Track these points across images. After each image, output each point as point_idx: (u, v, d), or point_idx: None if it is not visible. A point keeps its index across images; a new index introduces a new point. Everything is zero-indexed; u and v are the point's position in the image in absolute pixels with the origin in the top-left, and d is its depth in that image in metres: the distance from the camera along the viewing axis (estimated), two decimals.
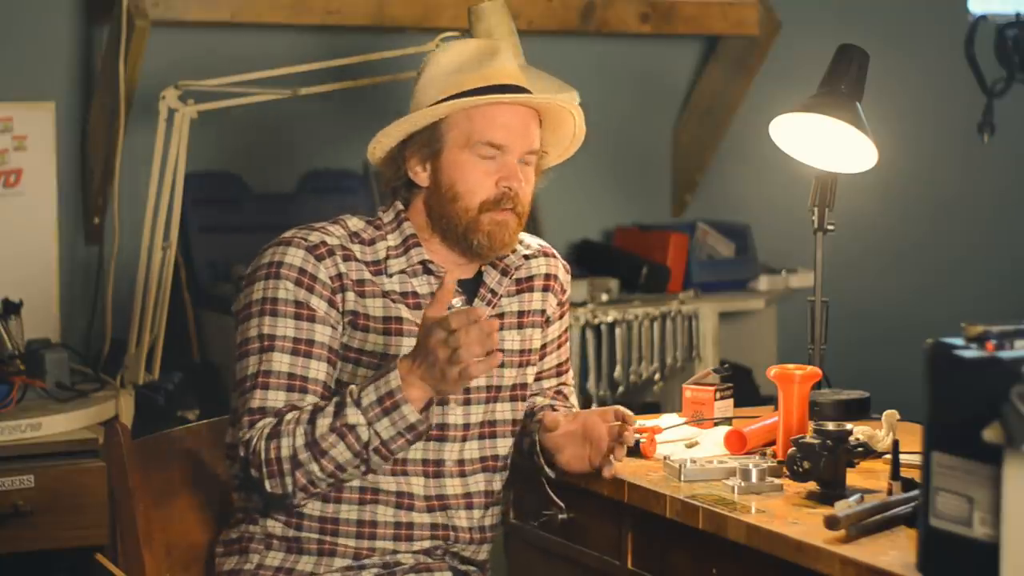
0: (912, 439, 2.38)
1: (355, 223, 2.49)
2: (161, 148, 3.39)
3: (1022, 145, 5.15)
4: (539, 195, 4.36)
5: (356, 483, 2.41)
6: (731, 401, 2.80)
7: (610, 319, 4.10)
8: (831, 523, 2.06)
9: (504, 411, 2.55)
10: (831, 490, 2.27)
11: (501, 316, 2.54)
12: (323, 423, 2.29)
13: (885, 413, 2.56)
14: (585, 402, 3.99)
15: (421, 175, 2.48)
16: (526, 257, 2.59)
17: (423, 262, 2.47)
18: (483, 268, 2.54)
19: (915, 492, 2.15)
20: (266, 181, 4.16)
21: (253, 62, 3.64)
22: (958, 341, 1.84)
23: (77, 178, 3.86)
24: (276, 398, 2.36)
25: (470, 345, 2.20)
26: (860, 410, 2.86)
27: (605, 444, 2.44)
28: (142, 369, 3.42)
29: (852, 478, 2.33)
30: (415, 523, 2.45)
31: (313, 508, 2.43)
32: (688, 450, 2.59)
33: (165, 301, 3.45)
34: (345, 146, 4.18)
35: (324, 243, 2.43)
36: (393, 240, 2.48)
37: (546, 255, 2.63)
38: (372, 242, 2.47)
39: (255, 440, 2.32)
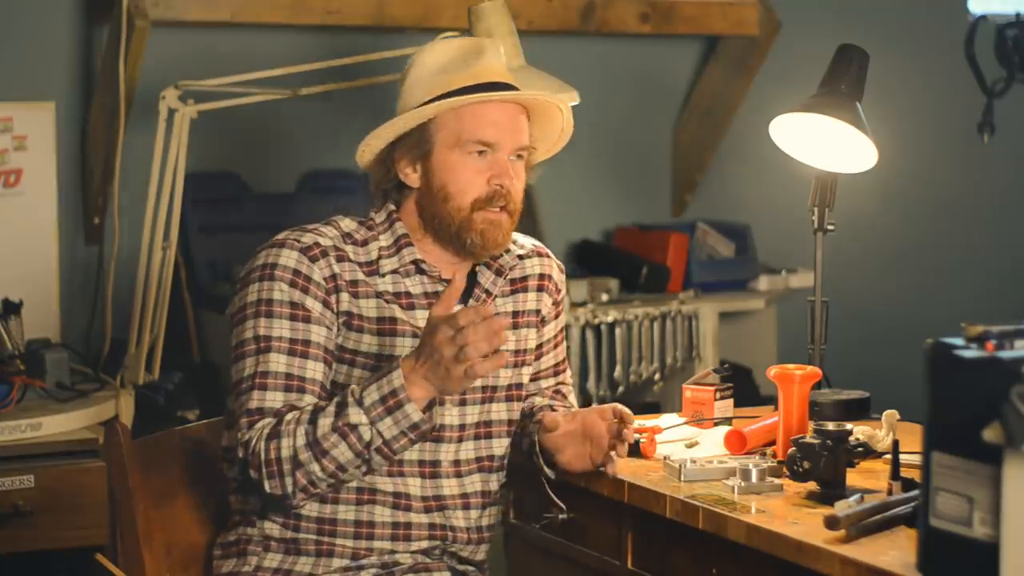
0: (912, 439, 2.38)
1: (347, 224, 2.49)
2: (161, 148, 3.39)
3: (1022, 145, 5.15)
4: (539, 195, 4.42)
5: (353, 484, 2.41)
6: (731, 401, 2.80)
7: (610, 319, 4.10)
8: (831, 523, 2.06)
9: (500, 411, 2.55)
10: (831, 490, 2.27)
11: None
12: (324, 423, 2.29)
13: (885, 413, 2.56)
14: (585, 402, 3.99)
15: (411, 176, 2.48)
16: (520, 257, 2.59)
17: (415, 262, 2.47)
18: (477, 268, 2.54)
19: (915, 492, 2.15)
20: (266, 181, 4.17)
21: (253, 62, 3.64)
22: (958, 341, 1.84)
23: (77, 178, 3.86)
24: (274, 399, 2.36)
25: (478, 343, 2.20)
26: (860, 410, 2.86)
27: (606, 442, 2.44)
28: (142, 369, 3.42)
29: (852, 478, 2.33)
30: (413, 523, 2.45)
31: (311, 509, 2.43)
32: (688, 450, 2.59)
33: (165, 301, 3.45)
34: (345, 146, 4.14)
35: (317, 244, 2.43)
36: (385, 240, 2.48)
37: (540, 255, 2.63)
38: (365, 243, 2.47)
39: (254, 441, 2.32)
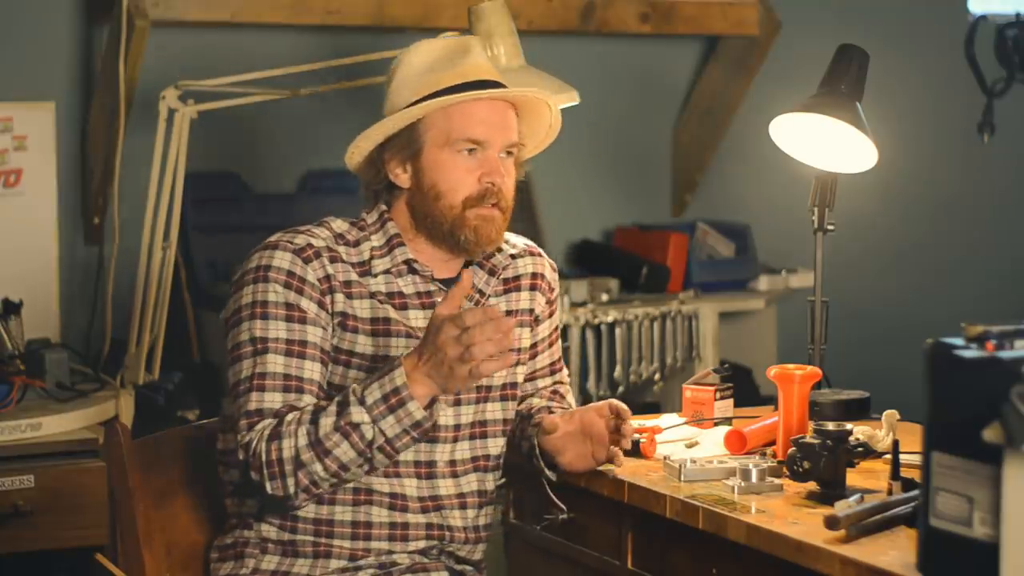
0: (912, 439, 2.38)
1: (339, 225, 2.48)
2: (161, 148, 3.39)
3: (1022, 145, 5.15)
4: (539, 195, 4.42)
5: (350, 485, 2.41)
6: (731, 401, 2.80)
7: (610, 319, 4.10)
8: (831, 523, 2.06)
9: (494, 411, 2.54)
10: (831, 490, 2.27)
11: None
12: (326, 422, 2.28)
13: (885, 413, 2.56)
14: (585, 402, 3.99)
15: (402, 176, 2.48)
16: (512, 256, 2.59)
17: (407, 261, 2.47)
18: (469, 268, 2.53)
19: (915, 492, 2.15)
20: (266, 181, 4.17)
21: (253, 62, 3.64)
22: (958, 341, 1.84)
23: (77, 178, 3.86)
24: (273, 399, 2.35)
25: (483, 343, 2.19)
26: (860, 410, 2.86)
27: (607, 439, 2.44)
28: (142, 369, 3.42)
29: (852, 478, 2.33)
30: (410, 523, 2.45)
31: (307, 510, 2.42)
32: (688, 450, 2.59)
33: (165, 301, 3.45)
34: (345, 146, 4.15)
35: (310, 245, 2.42)
36: (377, 240, 2.48)
37: (532, 254, 2.63)
38: (357, 243, 2.47)
39: (255, 442, 2.32)
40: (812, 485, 2.31)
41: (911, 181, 4.80)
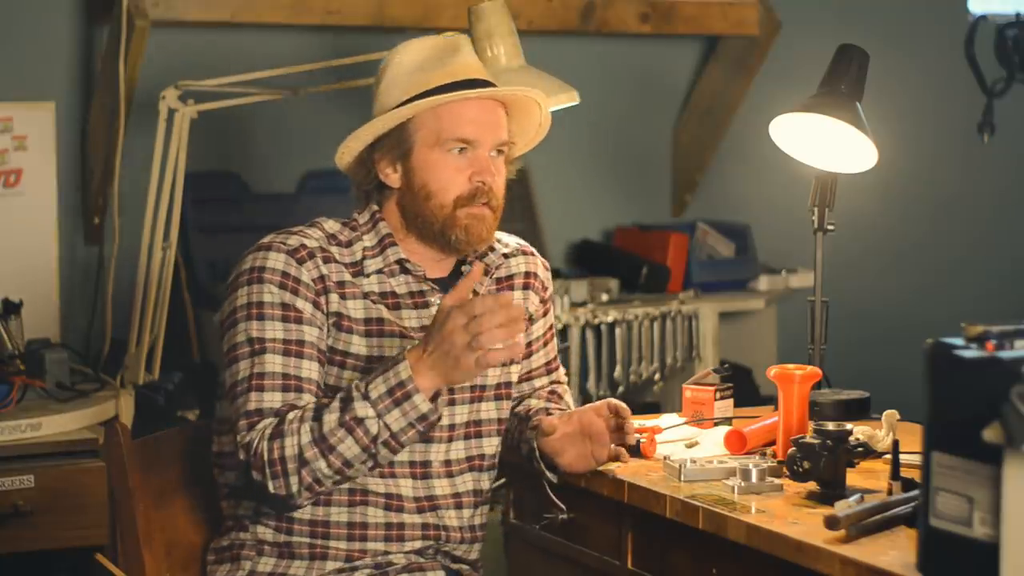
0: (912, 439, 2.38)
1: (331, 225, 2.48)
2: (161, 148, 3.39)
3: (1022, 145, 5.15)
4: (539, 195, 4.41)
5: (345, 485, 2.40)
6: (731, 401, 2.80)
7: (610, 319, 4.10)
8: (831, 523, 2.06)
9: (489, 410, 2.54)
10: (831, 490, 2.27)
11: None
12: (330, 419, 2.28)
13: (885, 413, 2.56)
14: (585, 403, 3.99)
15: (392, 177, 2.48)
16: (505, 256, 2.59)
17: (400, 261, 2.47)
18: (463, 268, 2.53)
19: (915, 492, 2.15)
20: (266, 181, 4.17)
21: (253, 62, 3.64)
22: (958, 341, 1.84)
23: (77, 178, 3.86)
24: (272, 399, 2.35)
25: (493, 331, 2.19)
26: (860, 410, 2.86)
27: (607, 438, 2.44)
28: (142, 369, 3.42)
29: (852, 478, 2.33)
30: (406, 524, 2.45)
31: (303, 512, 2.42)
32: (688, 450, 2.59)
33: (165, 301, 3.45)
34: None
35: (304, 246, 2.42)
36: (369, 241, 2.48)
37: (524, 253, 2.63)
38: (349, 244, 2.47)
39: (256, 442, 2.31)
40: (812, 485, 2.31)
41: (911, 181, 4.80)
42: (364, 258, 2.46)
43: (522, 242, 2.65)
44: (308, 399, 2.36)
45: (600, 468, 2.48)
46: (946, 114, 5.00)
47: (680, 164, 4.71)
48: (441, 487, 2.48)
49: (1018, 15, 5.01)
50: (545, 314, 2.67)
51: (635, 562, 2.47)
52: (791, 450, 2.31)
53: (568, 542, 2.61)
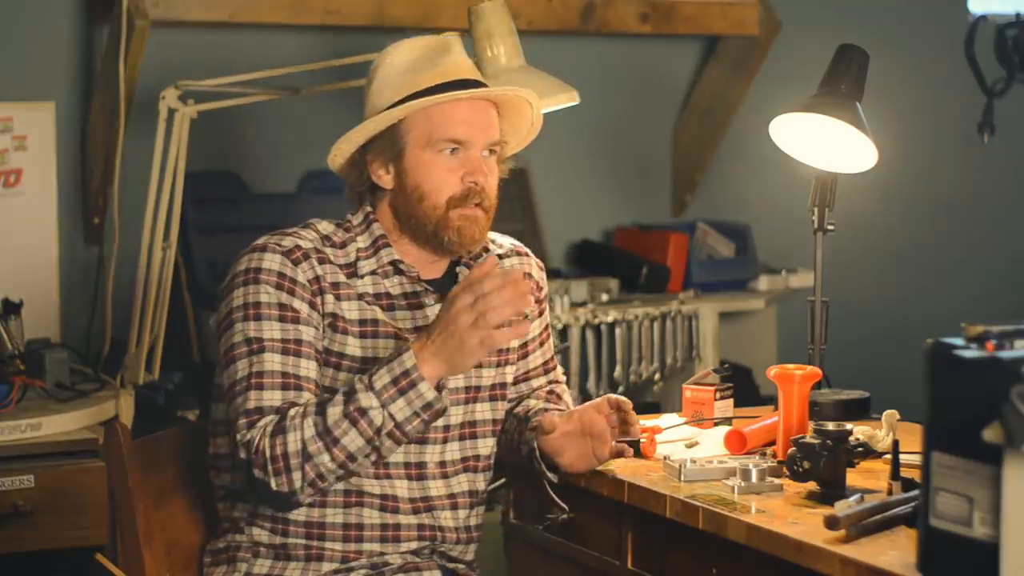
0: (912, 439, 2.38)
1: (325, 227, 2.48)
2: (161, 148, 3.39)
3: (1022, 145, 5.15)
4: (539, 195, 4.41)
5: (340, 486, 2.40)
6: (731, 401, 2.81)
7: (610, 319, 4.10)
8: (831, 523, 2.06)
9: (484, 411, 2.54)
10: (831, 490, 2.27)
11: None
12: (333, 412, 2.27)
13: (885, 413, 2.56)
14: (584, 402, 3.99)
15: (384, 178, 2.48)
16: (500, 257, 2.59)
17: (393, 262, 2.47)
18: (458, 269, 2.53)
19: (915, 492, 2.15)
20: (266, 181, 4.16)
21: (253, 62, 3.64)
22: (958, 341, 1.84)
23: (77, 178, 3.85)
24: (272, 397, 2.34)
25: (500, 308, 2.20)
26: (860, 410, 2.87)
27: (608, 436, 2.44)
28: (142, 369, 3.42)
29: (852, 478, 2.33)
30: (402, 524, 2.44)
31: (299, 514, 2.42)
32: (688, 450, 2.59)
33: (165, 301, 3.45)
34: None
35: (298, 247, 2.42)
36: (363, 242, 2.48)
37: (519, 254, 2.63)
38: (343, 245, 2.47)
39: (257, 439, 2.30)
40: (812, 485, 2.31)
41: (911, 181, 4.79)
42: (358, 259, 2.46)
43: (516, 243, 2.65)
44: (308, 397, 2.36)
45: (600, 468, 2.48)
46: (946, 114, 5.00)
47: (680, 164, 4.71)
48: (436, 488, 2.48)
49: (1018, 15, 5.01)
50: (541, 314, 2.67)
51: (635, 562, 2.47)
52: (791, 450, 2.31)
53: (568, 542, 2.61)
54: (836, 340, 3.01)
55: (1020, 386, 1.73)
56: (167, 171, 3.39)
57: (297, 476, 2.29)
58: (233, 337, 2.38)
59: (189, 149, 3.41)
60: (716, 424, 2.74)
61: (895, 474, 2.22)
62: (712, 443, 2.62)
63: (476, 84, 2.47)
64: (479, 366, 2.50)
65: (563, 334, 4.03)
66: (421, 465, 2.47)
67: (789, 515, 2.21)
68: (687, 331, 4.23)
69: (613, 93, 4.55)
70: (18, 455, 3.06)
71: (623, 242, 4.53)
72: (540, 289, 2.65)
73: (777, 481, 2.34)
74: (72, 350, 3.43)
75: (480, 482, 2.54)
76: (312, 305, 2.40)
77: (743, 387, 3.86)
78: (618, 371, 4.12)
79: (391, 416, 2.25)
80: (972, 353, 1.81)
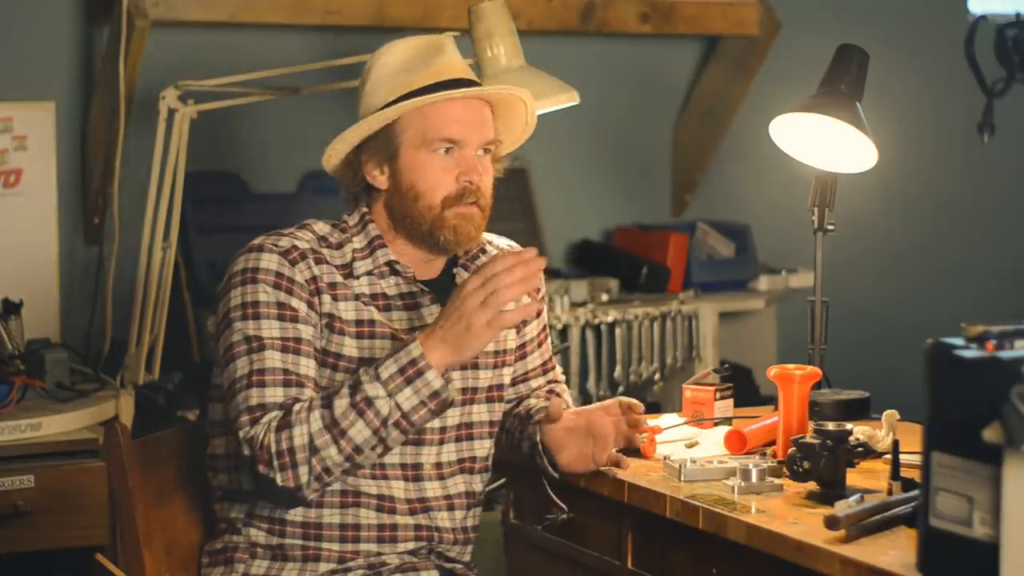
0: (912, 439, 2.38)
1: (321, 227, 2.48)
2: (161, 148, 3.39)
3: (1022, 145, 5.15)
4: (539, 195, 4.41)
5: (337, 486, 2.40)
6: (731, 401, 2.80)
7: (610, 319, 4.10)
8: (831, 523, 2.06)
9: (480, 413, 2.54)
10: (831, 490, 2.27)
11: None
12: (340, 403, 2.27)
13: (885, 413, 2.56)
14: (585, 403, 3.99)
15: (379, 178, 2.48)
16: None
17: (389, 263, 2.47)
18: (455, 270, 2.53)
19: (915, 492, 2.15)
20: (266, 181, 4.16)
21: (253, 62, 3.64)
22: (958, 341, 1.84)
23: (77, 178, 3.85)
24: (275, 394, 2.33)
25: (511, 286, 2.21)
26: (860, 410, 2.87)
27: (610, 441, 2.44)
28: (142, 369, 3.42)
29: (852, 478, 2.33)
30: (399, 525, 2.44)
31: (295, 514, 2.42)
32: (688, 450, 2.59)
33: (165, 301, 3.45)
34: None
35: (295, 247, 2.42)
36: (359, 242, 2.47)
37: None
38: (340, 246, 2.47)
39: (262, 435, 2.29)
40: (812, 485, 2.31)
41: (911, 181, 4.79)
42: (354, 260, 2.46)
43: (513, 244, 2.65)
44: (310, 394, 2.35)
45: (600, 469, 2.48)
46: (946, 114, 5.00)
47: (680, 164, 4.71)
48: (432, 489, 2.48)
49: (1018, 15, 5.01)
50: (539, 315, 2.66)
51: (635, 562, 2.47)
52: (791, 450, 2.31)
53: (568, 542, 2.61)
54: (836, 340, 3.01)
55: (1020, 386, 1.73)
56: (167, 171, 3.39)
57: (304, 471, 2.28)
58: (232, 336, 2.38)
59: (189, 149, 3.41)
60: (716, 424, 2.74)
61: (895, 474, 2.22)
62: (712, 443, 2.62)
63: (470, 83, 2.47)
64: (476, 367, 2.50)
65: (563, 334, 4.03)
66: (417, 466, 2.47)
67: (789, 515, 2.21)
68: (687, 331, 4.23)
69: (613, 93, 4.55)
70: (18, 455, 3.06)
71: (623, 242, 4.53)
72: (538, 290, 2.65)
73: (777, 481, 2.34)
74: (72, 350, 3.43)
75: (477, 483, 2.54)
76: (310, 305, 2.40)
77: (743, 387, 3.86)
78: (618, 371, 4.12)
79: (398, 406, 2.25)
80: (972, 353, 1.81)
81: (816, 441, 2.28)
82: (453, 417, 2.50)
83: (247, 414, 2.32)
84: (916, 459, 2.26)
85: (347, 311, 2.43)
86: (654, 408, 4.01)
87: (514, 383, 2.63)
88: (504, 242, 2.64)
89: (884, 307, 4.93)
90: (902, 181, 4.54)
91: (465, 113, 2.45)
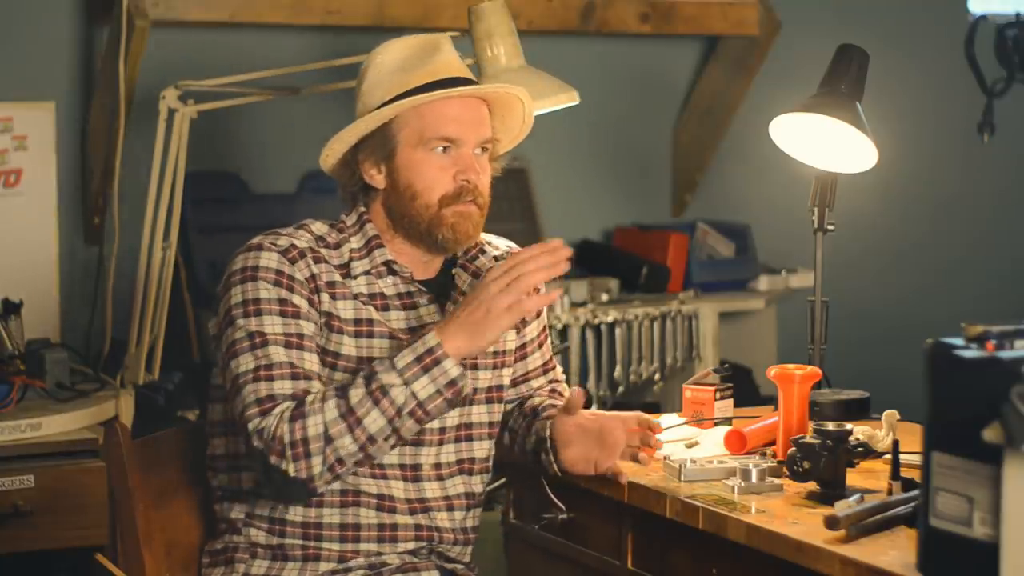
0: (912, 439, 2.38)
1: (319, 227, 2.48)
2: (161, 148, 3.39)
3: (1022, 145, 5.15)
4: (539, 195, 4.41)
5: (337, 486, 2.39)
6: (731, 401, 2.80)
7: (610, 319, 4.10)
8: (831, 523, 2.06)
9: (480, 414, 2.54)
10: (831, 490, 2.27)
11: None
12: (356, 392, 2.27)
13: (885, 413, 2.56)
14: (585, 403, 3.98)
15: (377, 178, 2.47)
16: (496, 259, 2.59)
17: (387, 263, 2.47)
18: (454, 271, 2.53)
19: (915, 492, 2.15)
20: (266, 181, 4.16)
21: (253, 62, 3.64)
22: (958, 341, 1.84)
23: (77, 178, 3.85)
24: (283, 387, 2.32)
25: (535, 272, 2.24)
26: (860, 410, 2.87)
27: (618, 451, 2.44)
28: (142, 369, 3.42)
29: (852, 478, 2.33)
30: (399, 524, 2.44)
31: (295, 514, 2.42)
32: (688, 450, 2.59)
33: (165, 301, 3.45)
34: None
35: (294, 246, 2.42)
36: (356, 242, 2.47)
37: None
38: (337, 246, 2.46)
39: (274, 426, 2.27)
40: (812, 485, 2.31)
41: (911, 181, 4.79)
42: (351, 260, 2.46)
43: (512, 244, 2.65)
44: (318, 387, 2.34)
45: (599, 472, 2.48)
46: (946, 114, 5.00)
47: (680, 164, 4.71)
48: (432, 490, 2.48)
49: (1018, 15, 5.01)
50: (538, 315, 2.66)
51: (635, 562, 2.47)
52: (791, 450, 2.31)
53: (568, 542, 2.61)
54: (836, 340, 3.01)
55: (1020, 386, 1.73)
56: (167, 171, 3.39)
57: (317, 461, 2.27)
58: (235, 333, 2.37)
59: (189, 149, 3.41)
60: (716, 424, 2.74)
61: (895, 474, 2.22)
62: (712, 443, 2.62)
63: (467, 82, 2.47)
64: (475, 368, 2.50)
65: (563, 334, 4.03)
66: (416, 467, 2.47)
67: (789, 515, 2.21)
68: (687, 331, 4.23)
69: (613, 93, 4.56)
70: (18, 455, 3.06)
71: (623, 242, 4.53)
72: (537, 291, 2.64)
73: (777, 481, 2.34)
74: (72, 350, 3.43)
75: (476, 484, 2.54)
76: (311, 302, 2.40)
77: (743, 387, 3.86)
78: (618, 371, 4.12)
79: (414, 395, 2.25)
80: (972, 353, 1.81)
81: (816, 441, 2.28)
82: (452, 418, 2.50)
83: (256, 406, 2.31)
84: (916, 459, 2.26)
85: (345, 310, 2.43)
86: (654, 408, 4.01)
87: (515, 383, 2.63)
88: (503, 242, 2.64)
89: (884, 307, 4.93)
90: (902, 181, 4.54)
91: (462, 112, 2.45)
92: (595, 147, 4.61)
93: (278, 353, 2.34)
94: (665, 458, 2.46)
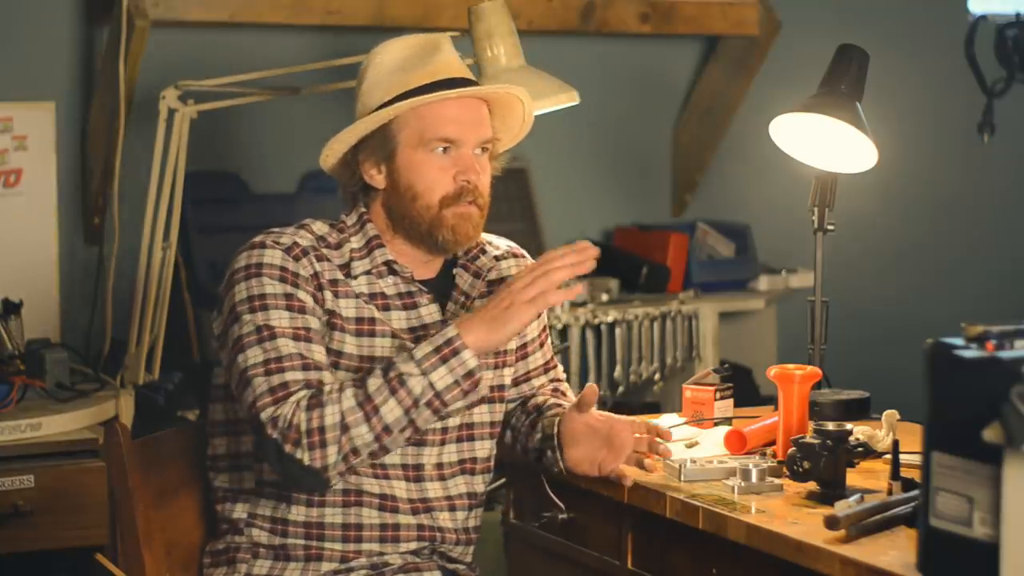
0: (912, 439, 2.38)
1: (319, 227, 2.48)
2: (161, 148, 3.39)
3: (1022, 145, 5.15)
4: (540, 195, 4.41)
5: (339, 485, 2.39)
6: (731, 401, 2.80)
7: (610, 319, 4.10)
8: (831, 523, 2.06)
9: (482, 413, 2.54)
10: (831, 490, 2.27)
11: None
12: (374, 381, 2.27)
13: (885, 413, 2.56)
14: None
15: (377, 178, 2.47)
16: (496, 259, 2.59)
17: (387, 263, 2.47)
18: (455, 271, 2.53)
19: (915, 492, 2.15)
20: (266, 181, 4.16)
21: (253, 62, 3.64)
22: (958, 341, 1.84)
23: (77, 178, 3.85)
24: (295, 377, 2.31)
25: (561, 269, 2.26)
26: (860, 410, 2.87)
27: (624, 455, 2.43)
28: (142, 369, 3.42)
29: (852, 478, 2.33)
30: (401, 524, 2.44)
31: (297, 514, 2.42)
32: (688, 450, 2.59)
33: (165, 301, 3.45)
34: None
35: (297, 244, 2.42)
36: (357, 242, 2.47)
37: (515, 256, 2.62)
38: (338, 245, 2.46)
39: (290, 414, 2.27)
40: (812, 485, 2.31)
41: (911, 181, 4.80)
42: (352, 260, 2.46)
43: (512, 244, 2.65)
44: (329, 378, 2.34)
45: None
46: (946, 114, 5.00)
47: (680, 164, 4.71)
48: (434, 490, 2.48)
49: (1018, 15, 5.01)
50: (538, 315, 2.66)
51: (635, 562, 2.47)
52: (791, 450, 2.32)
53: (568, 542, 2.61)
54: (836, 340, 3.01)
55: (1020, 386, 1.73)
56: (167, 171, 3.39)
57: (333, 450, 2.26)
58: (242, 328, 2.36)
59: (189, 149, 3.41)
60: (716, 424, 2.74)
61: (895, 474, 2.22)
62: (712, 443, 2.62)
63: (466, 82, 2.47)
64: None
65: (563, 334, 4.03)
66: (419, 467, 2.47)
67: (789, 515, 2.21)
68: (687, 331, 4.23)
69: (613, 93, 4.56)
70: (18, 455, 3.06)
71: (623, 242, 4.53)
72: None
73: (777, 481, 2.34)
74: (72, 350, 3.43)
75: (478, 484, 2.54)
76: (315, 299, 2.40)
77: (743, 387, 3.86)
78: (618, 371, 4.12)
79: (431, 385, 2.25)
80: (972, 353, 1.81)
81: (816, 441, 2.28)
82: (454, 418, 2.50)
83: (269, 395, 2.30)
84: (916, 459, 2.26)
85: (347, 308, 2.43)
86: (654, 408, 4.01)
87: (516, 383, 2.63)
88: (504, 242, 2.64)
89: (884, 307, 4.93)
90: (902, 181, 4.54)
91: (462, 112, 2.45)
92: (595, 147, 4.61)
93: (287, 345, 2.34)
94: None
